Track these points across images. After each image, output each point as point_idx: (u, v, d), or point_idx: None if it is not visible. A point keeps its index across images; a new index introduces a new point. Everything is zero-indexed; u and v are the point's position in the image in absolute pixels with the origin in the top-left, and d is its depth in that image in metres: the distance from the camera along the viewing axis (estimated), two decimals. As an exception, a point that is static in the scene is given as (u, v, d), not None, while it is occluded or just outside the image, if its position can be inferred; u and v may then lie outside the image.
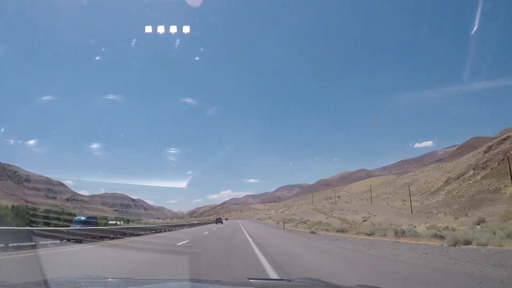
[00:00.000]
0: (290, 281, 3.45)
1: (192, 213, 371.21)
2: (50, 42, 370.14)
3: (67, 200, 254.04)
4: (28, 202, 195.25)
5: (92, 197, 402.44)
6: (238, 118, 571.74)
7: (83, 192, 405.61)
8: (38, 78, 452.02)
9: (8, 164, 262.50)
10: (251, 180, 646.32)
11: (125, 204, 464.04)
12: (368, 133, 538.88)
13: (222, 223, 78.63)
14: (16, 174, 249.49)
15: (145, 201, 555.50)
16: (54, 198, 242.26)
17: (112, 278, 3.71)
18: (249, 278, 3.60)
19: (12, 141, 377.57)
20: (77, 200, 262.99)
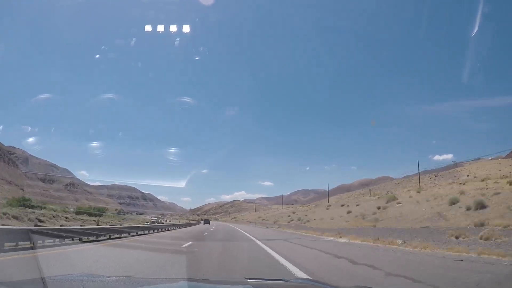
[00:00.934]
0: (287, 281, 3.43)
1: (195, 211, 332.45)
2: (56, 40, 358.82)
3: (66, 186, 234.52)
4: (18, 185, 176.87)
5: (99, 187, 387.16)
6: (255, 120, 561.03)
7: (92, 183, 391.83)
8: (38, 78, 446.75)
9: (12, 146, 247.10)
10: (266, 183, 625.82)
11: (133, 197, 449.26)
12: (387, 142, 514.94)
13: (209, 223, 79.65)
14: (14, 155, 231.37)
15: (156, 196, 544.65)
16: (51, 183, 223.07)
17: (109, 276, 3.87)
18: (246, 278, 3.65)
19: (30, 128, 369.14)
20: (76, 188, 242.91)
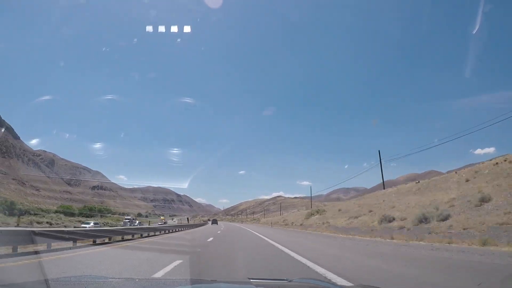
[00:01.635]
0: (290, 281, 3.43)
1: (229, 211, 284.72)
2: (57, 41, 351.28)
3: (93, 188, 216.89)
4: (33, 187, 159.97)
5: (133, 190, 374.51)
6: (291, 120, 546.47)
7: (127, 186, 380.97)
8: (38, 77, 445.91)
9: (43, 150, 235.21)
10: (304, 183, 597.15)
11: (168, 200, 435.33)
12: (427, 138, 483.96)
13: (217, 224, 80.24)
14: (40, 157, 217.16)
15: (194, 198, 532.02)
16: (77, 185, 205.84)
17: (112, 278, 3.77)
18: (250, 278, 3.61)
19: (67, 135, 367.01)
20: (104, 190, 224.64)
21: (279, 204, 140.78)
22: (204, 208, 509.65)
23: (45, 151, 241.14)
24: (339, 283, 5.55)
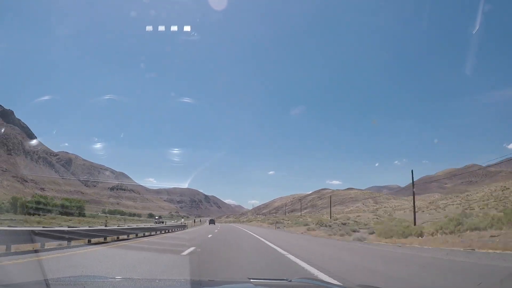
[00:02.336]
0: (290, 281, 3.44)
1: (260, 209, 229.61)
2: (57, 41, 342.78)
3: (111, 189, 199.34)
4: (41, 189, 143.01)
5: (158, 192, 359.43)
6: (319, 119, 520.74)
7: (152, 187, 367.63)
8: (37, 77, 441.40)
9: (65, 152, 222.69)
10: (335, 182, 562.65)
11: (195, 201, 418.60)
12: (457, 133, 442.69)
13: (214, 224, 76.13)
14: (57, 157, 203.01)
15: (222, 199, 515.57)
16: (95, 186, 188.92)
17: (112, 277, 3.74)
18: (250, 278, 3.54)
19: (96, 139, 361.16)
20: (124, 190, 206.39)
21: (328, 197, 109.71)
22: (233, 209, 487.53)
23: (67, 152, 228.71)
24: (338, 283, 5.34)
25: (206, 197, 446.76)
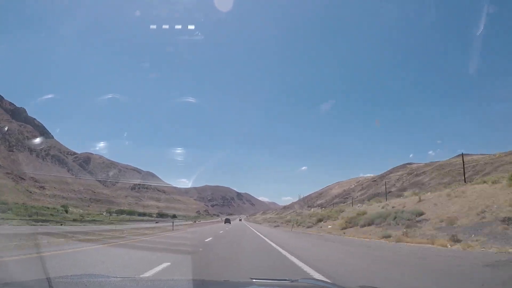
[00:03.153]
0: (293, 281, 3.37)
1: (310, 200, 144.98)
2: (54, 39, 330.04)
3: (133, 188, 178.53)
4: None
5: (187, 191, 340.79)
6: (349, 115, 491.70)
7: (182, 186, 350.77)
8: (38, 77, 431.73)
9: (89, 153, 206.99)
10: (368, 175, 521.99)
11: (227, 198, 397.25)
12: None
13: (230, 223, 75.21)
14: (75, 155, 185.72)
15: (256, 196, 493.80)
16: (114, 185, 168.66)
17: (114, 276, 3.77)
18: (252, 278, 3.52)
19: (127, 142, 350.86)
20: (147, 189, 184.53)
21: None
22: (268, 206, 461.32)
23: (90, 153, 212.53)
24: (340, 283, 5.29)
25: (239, 194, 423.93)
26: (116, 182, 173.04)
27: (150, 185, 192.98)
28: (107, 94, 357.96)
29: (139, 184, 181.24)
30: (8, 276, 6.12)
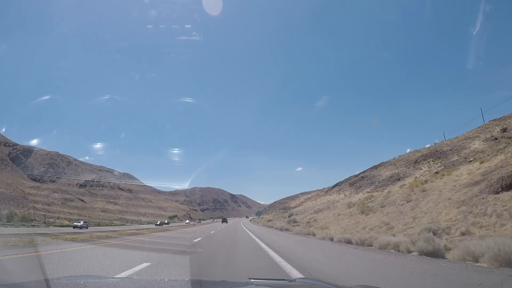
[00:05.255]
0: (291, 281, 3.39)
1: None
2: (50, 40, 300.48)
3: (82, 186, 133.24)
4: None
5: (174, 193, 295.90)
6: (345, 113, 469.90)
7: (165, 189, 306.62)
8: (38, 77, 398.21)
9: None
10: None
11: (219, 201, 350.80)
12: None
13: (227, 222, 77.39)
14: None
15: (251, 198, 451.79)
16: (53, 182, 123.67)
17: (113, 277, 3.76)
18: (250, 278, 3.47)
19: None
20: (102, 187, 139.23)
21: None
22: (266, 207, 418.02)
23: (35, 147, 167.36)
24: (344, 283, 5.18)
25: (233, 196, 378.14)
26: (58, 178, 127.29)
27: (109, 182, 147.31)
28: (105, 95, 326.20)
29: (92, 181, 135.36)
30: None
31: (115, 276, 4.61)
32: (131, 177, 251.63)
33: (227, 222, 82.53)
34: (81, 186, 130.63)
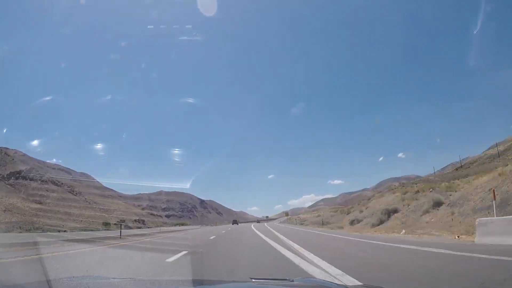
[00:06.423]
0: (292, 281, 3.32)
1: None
2: (50, 41, 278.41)
3: (7, 177, 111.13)
4: None
5: (137, 197, 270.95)
6: (322, 118, 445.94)
7: (126, 192, 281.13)
8: (38, 77, 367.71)
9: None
10: (336, 181, 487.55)
11: (187, 206, 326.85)
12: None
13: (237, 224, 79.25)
14: None
15: (221, 203, 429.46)
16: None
17: (114, 278, 3.75)
18: (252, 278, 3.47)
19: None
20: (59, 186, 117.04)
21: None
22: (238, 215, 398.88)
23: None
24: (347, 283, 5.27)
25: (202, 202, 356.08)
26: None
27: (41, 175, 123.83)
28: (107, 95, 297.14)
29: (19, 172, 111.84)
30: None
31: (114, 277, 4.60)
32: (88, 176, 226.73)
33: (237, 224, 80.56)
34: (6, 177, 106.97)
